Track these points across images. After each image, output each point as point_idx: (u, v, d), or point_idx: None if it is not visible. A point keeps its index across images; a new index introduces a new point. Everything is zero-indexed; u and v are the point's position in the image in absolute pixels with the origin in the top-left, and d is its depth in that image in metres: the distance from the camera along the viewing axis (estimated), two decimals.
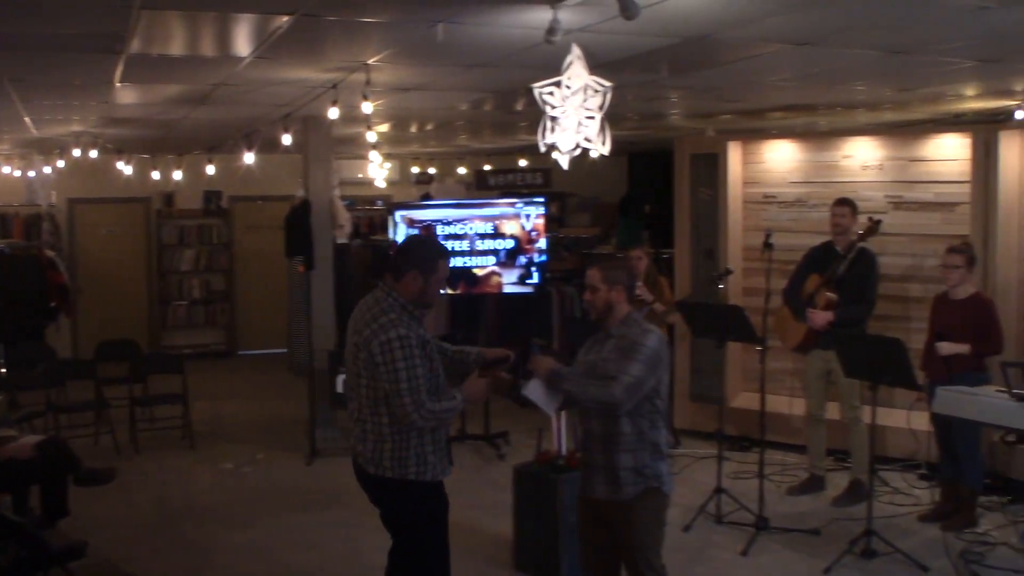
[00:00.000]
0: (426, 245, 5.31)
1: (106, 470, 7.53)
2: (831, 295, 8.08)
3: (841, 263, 8.09)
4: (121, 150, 12.82)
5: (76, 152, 12.06)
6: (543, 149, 5.44)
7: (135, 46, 6.16)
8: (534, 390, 5.01)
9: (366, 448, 4.99)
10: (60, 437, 8.60)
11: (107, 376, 10.96)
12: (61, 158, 13.27)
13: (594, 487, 5.02)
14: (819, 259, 8.35)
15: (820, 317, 8.09)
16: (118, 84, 7.73)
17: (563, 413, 6.01)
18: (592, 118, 5.38)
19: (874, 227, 8.05)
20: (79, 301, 15.21)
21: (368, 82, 7.15)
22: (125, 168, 13.14)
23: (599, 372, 4.92)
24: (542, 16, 5.03)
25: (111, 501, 8.50)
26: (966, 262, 7.52)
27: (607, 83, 5.39)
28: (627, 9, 4.51)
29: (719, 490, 7.83)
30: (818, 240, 8.55)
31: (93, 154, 12.63)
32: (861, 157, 9.60)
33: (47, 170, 13.71)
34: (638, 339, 4.88)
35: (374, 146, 8.88)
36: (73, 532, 6.73)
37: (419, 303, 4.98)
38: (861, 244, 8.09)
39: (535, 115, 5.55)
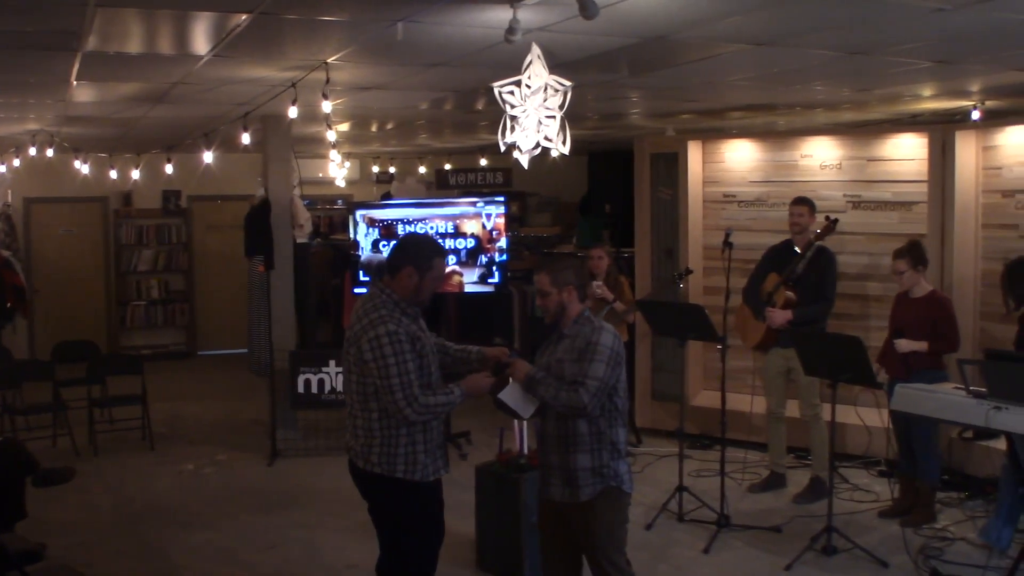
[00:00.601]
0: (422, 243, 5.30)
1: (64, 469, 7.43)
2: (790, 294, 8.13)
3: (799, 262, 8.13)
4: (78, 149, 12.69)
5: (32, 151, 11.92)
6: (503, 148, 5.44)
7: (91, 44, 6.10)
8: (511, 395, 4.99)
9: (356, 443, 5.06)
10: (17, 438, 8.50)
11: (65, 377, 10.83)
12: (17, 157, 13.12)
13: (550, 489, 5.02)
14: (778, 258, 8.39)
15: (778, 316, 8.13)
16: (75, 82, 7.65)
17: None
18: (552, 117, 5.38)
19: (831, 226, 8.10)
20: (35, 302, 15.06)
21: (328, 81, 7.12)
22: (82, 167, 12.99)
23: (554, 372, 4.94)
24: (502, 15, 5.02)
25: (70, 504, 8.42)
26: (910, 264, 7.59)
27: (567, 82, 5.40)
28: (586, 8, 4.52)
29: (681, 488, 7.86)
30: (778, 239, 8.60)
31: (50, 153, 12.50)
32: (820, 156, 9.67)
33: (2, 169, 13.54)
34: (593, 339, 4.88)
35: (334, 145, 8.83)
36: (31, 535, 6.65)
37: (413, 300, 5.03)
38: (819, 243, 8.14)
39: (495, 114, 5.56)
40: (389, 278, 5.03)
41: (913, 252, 7.63)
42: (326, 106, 7.34)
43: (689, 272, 9.22)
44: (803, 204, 8.27)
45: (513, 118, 5.36)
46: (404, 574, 5.20)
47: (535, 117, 5.36)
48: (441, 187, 15.53)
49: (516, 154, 5.44)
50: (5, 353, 11.79)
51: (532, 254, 14.39)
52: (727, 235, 8.16)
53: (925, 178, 8.95)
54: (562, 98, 5.40)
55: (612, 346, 4.89)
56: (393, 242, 5.33)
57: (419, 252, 5.06)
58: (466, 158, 16.39)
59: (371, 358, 4.81)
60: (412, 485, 5.02)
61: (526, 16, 5.15)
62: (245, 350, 11.03)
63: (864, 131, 10.67)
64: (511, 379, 5.01)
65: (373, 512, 5.25)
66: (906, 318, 7.63)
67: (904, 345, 7.49)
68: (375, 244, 10.23)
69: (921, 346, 7.45)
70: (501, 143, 5.42)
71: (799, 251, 8.22)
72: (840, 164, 9.55)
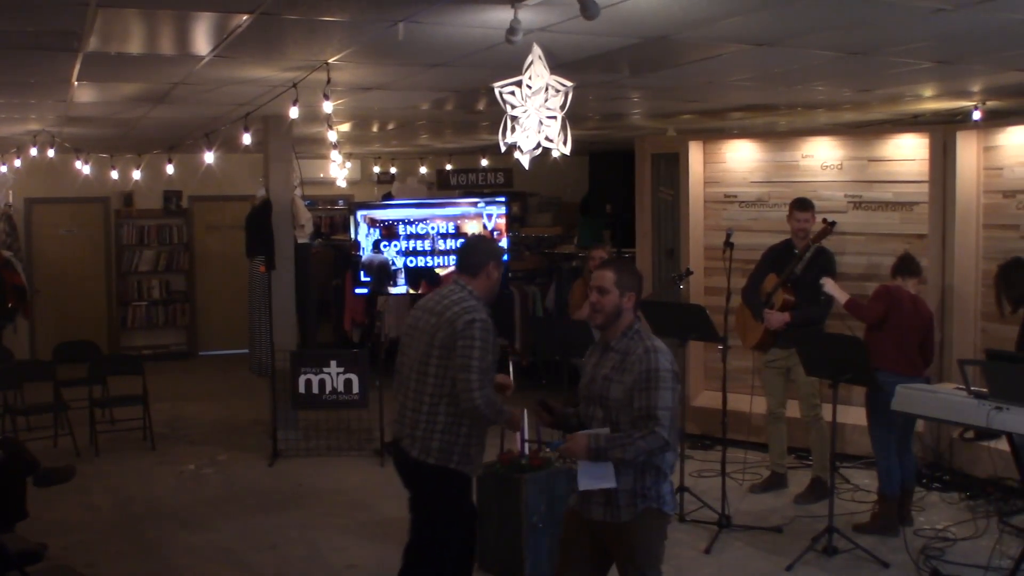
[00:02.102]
0: (491, 241, 5.66)
1: (65, 468, 7.43)
2: (788, 296, 8.13)
3: (798, 263, 8.13)
4: (79, 149, 12.70)
5: (33, 151, 11.92)
6: (504, 149, 5.44)
7: (92, 44, 6.10)
8: (586, 478, 4.58)
9: (416, 432, 5.16)
10: (17, 439, 8.50)
11: (66, 378, 10.84)
12: (18, 157, 13.12)
13: (591, 508, 4.71)
14: (777, 258, 8.39)
15: (776, 318, 8.13)
16: (76, 82, 7.65)
17: (524, 412, 5.91)
18: (553, 118, 5.38)
19: (828, 228, 8.10)
20: (37, 302, 15.06)
21: (329, 81, 7.11)
22: (83, 167, 13.00)
23: (597, 391, 4.66)
24: (503, 16, 5.02)
25: (71, 504, 8.43)
26: (891, 276, 7.72)
27: (568, 83, 5.40)
28: (587, 9, 4.52)
29: (682, 488, 7.85)
30: (779, 239, 8.58)
31: (51, 153, 12.51)
32: (821, 157, 9.67)
33: (3, 169, 13.55)
34: (653, 364, 4.53)
35: (335, 146, 8.83)
36: (32, 535, 6.65)
37: (488, 298, 5.29)
38: (818, 243, 8.15)
39: (496, 115, 5.55)
40: (469, 277, 5.26)
41: (894, 265, 7.74)
42: (327, 106, 7.34)
43: (689, 273, 9.22)
44: (809, 210, 8.22)
45: (514, 118, 5.36)
46: (444, 563, 5.29)
47: (536, 117, 5.36)
48: (442, 187, 15.55)
49: (517, 154, 5.44)
50: (6, 353, 11.79)
51: (533, 254, 14.40)
52: (728, 235, 8.15)
53: (926, 178, 8.95)
54: (563, 98, 5.40)
55: (671, 368, 4.57)
56: (459, 242, 5.48)
57: (493, 249, 5.44)
58: (467, 158, 16.39)
59: (461, 336, 5.01)
60: (462, 477, 5.16)
61: (527, 16, 5.15)
62: (246, 350, 11.01)
63: (865, 131, 10.67)
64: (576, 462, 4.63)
65: (418, 504, 5.35)
66: None
67: (830, 286, 7.85)
68: (376, 244, 10.23)
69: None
70: (502, 143, 5.42)
71: (798, 252, 8.21)
72: (841, 164, 9.55)
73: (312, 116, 8.70)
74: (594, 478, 4.58)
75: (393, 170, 17.26)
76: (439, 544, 5.28)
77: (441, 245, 10.12)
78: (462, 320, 5.04)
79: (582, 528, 4.81)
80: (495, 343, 5.17)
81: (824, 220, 8.16)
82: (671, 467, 4.75)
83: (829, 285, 7.76)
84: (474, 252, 5.38)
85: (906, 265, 7.64)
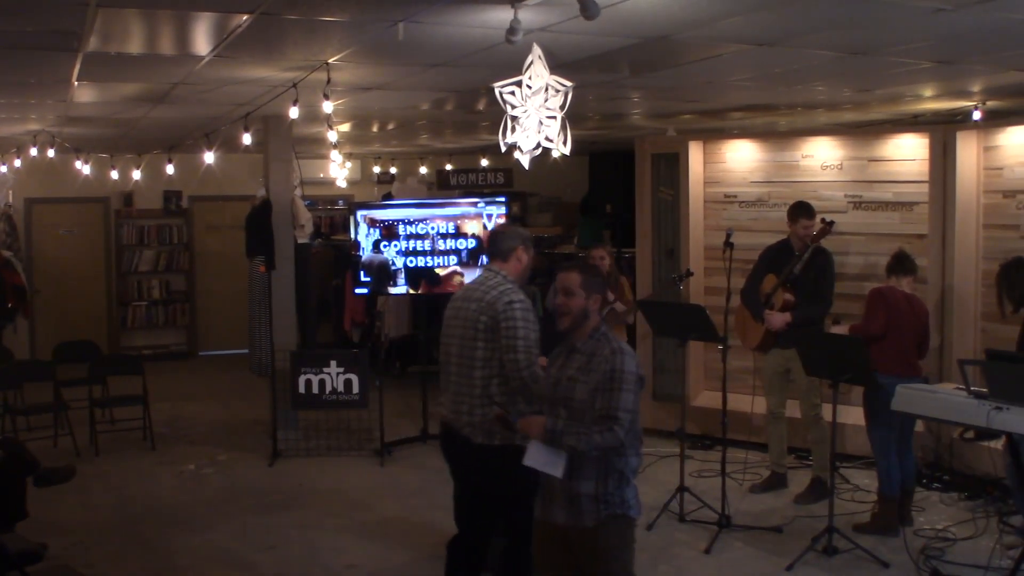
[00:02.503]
0: (519, 227, 5.87)
1: (65, 468, 7.43)
2: (788, 296, 8.13)
3: (797, 263, 8.13)
4: (79, 149, 12.70)
5: (33, 151, 11.93)
6: (504, 149, 5.44)
7: (92, 44, 6.10)
8: (536, 457, 4.60)
9: (474, 418, 5.30)
10: (17, 439, 8.49)
11: (66, 378, 10.84)
12: (18, 157, 13.12)
13: (553, 512, 4.71)
14: (775, 259, 8.38)
15: (777, 319, 8.13)
16: (76, 83, 7.66)
17: None
18: (553, 118, 5.39)
19: (827, 228, 8.10)
20: (37, 302, 15.06)
21: (329, 81, 7.12)
22: (83, 167, 13.01)
23: (562, 392, 4.64)
24: (503, 16, 5.02)
25: (71, 504, 8.42)
26: (886, 274, 7.69)
27: (568, 83, 5.40)
28: (587, 9, 4.52)
29: (682, 489, 7.86)
30: (778, 239, 8.58)
31: (51, 153, 12.51)
32: (821, 157, 9.66)
33: (3, 169, 13.55)
34: (617, 365, 4.54)
35: (335, 146, 8.83)
36: (32, 535, 6.65)
37: (521, 281, 5.50)
38: (816, 244, 8.15)
39: (496, 115, 5.55)
40: (501, 262, 5.47)
41: (888, 264, 7.71)
42: (327, 106, 7.34)
43: (690, 274, 9.21)
44: (813, 217, 8.22)
45: (514, 118, 5.37)
46: (516, 539, 5.47)
47: (536, 117, 5.36)
48: (442, 187, 15.55)
49: (517, 154, 5.45)
50: (6, 353, 11.80)
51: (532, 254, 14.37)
52: (728, 235, 8.14)
53: (926, 178, 8.95)
54: (563, 98, 5.40)
55: (634, 371, 4.59)
56: (493, 230, 5.66)
57: (521, 233, 5.64)
58: (467, 158, 16.39)
59: (503, 319, 5.21)
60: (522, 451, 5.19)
61: (527, 16, 5.15)
62: (246, 350, 11.02)
63: (865, 131, 10.67)
64: (530, 438, 4.65)
65: (489, 488, 5.44)
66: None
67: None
68: (376, 244, 10.22)
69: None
70: (502, 143, 5.42)
71: (796, 252, 8.21)
72: (841, 164, 9.54)
73: (312, 116, 8.70)
74: (543, 460, 4.59)
75: (393, 170, 17.26)
76: (512, 521, 5.45)
77: (441, 245, 10.12)
78: (501, 302, 5.24)
79: (550, 536, 4.79)
80: (535, 320, 5.35)
81: (823, 220, 8.16)
82: (634, 472, 4.74)
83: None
84: (504, 238, 5.57)
85: (900, 263, 7.62)
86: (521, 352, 5.20)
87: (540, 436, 4.56)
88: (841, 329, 7.82)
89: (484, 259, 10.07)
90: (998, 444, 7.36)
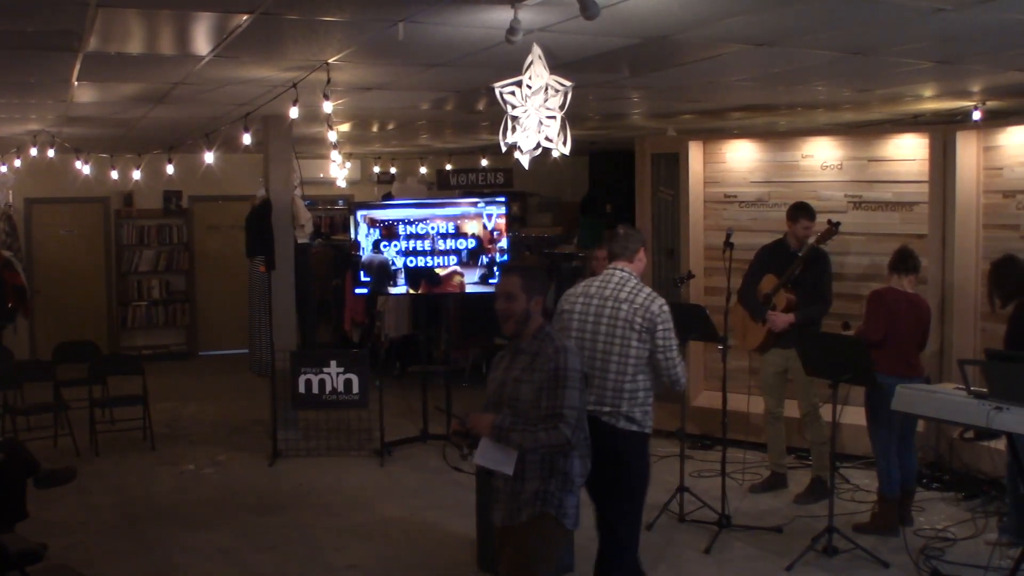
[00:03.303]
0: (638, 230, 6.13)
1: (66, 469, 7.42)
2: (791, 296, 8.13)
3: (798, 265, 8.13)
4: (79, 149, 12.69)
5: (33, 151, 11.92)
6: (504, 149, 5.44)
7: (92, 44, 6.10)
8: (485, 455, 4.61)
9: (621, 408, 5.52)
10: (17, 439, 8.49)
11: (66, 378, 10.84)
12: (18, 157, 13.12)
13: (494, 512, 4.78)
14: (772, 259, 8.39)
15: (781, 319, 8.13)
16: (76, 83, 7.65)
17: None
18: (553, 118, 5.38)
19: (833, 229, 8.11)
20: (37, 302, 15.06)
21: (329, 81, 7.11)
22: (83, 167, 13.00)
23: (508, 394, 4.65)
24: (503, 16, 5.02)
25: (71, 504, 8.43)
26: (888, 270, 7.63)
27: (568, 83, 5.39)
28: (587, 9, 4.51)
29: (682, 488, 7.86)
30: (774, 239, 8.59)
31: (51, 153, 12.50)
32: (821, 157, 9.67)
33: (3, 169, 13.54)
34: (561, 363, 4.56)
35: (335, 146, 8.82)
36: (32, 535, 6.64)
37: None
38: (815, 244, 8.16)
39: (496, 115, 5.55)
40: (626, 262, 5.74)
41: (891, 260, 7.67)
42: (327, 106, 7.34)
43: (691, 276, 9.21)
44: (814, 219, 8.23)
45: (514, 118, 5.36)
46: (638, 521, 5.76)
47: (536, 117, 5.36)
48: (442, 187, 15.56)
49: (517, 154, 5.44)
50: (6, 353, 11.79)
51: (533, 254, 14.41)
52: (728, 235, 8.15)
53: (926, 178, 8.95)
54: (563, 98, 5.40)
55: (579, 368, 4.63)
56: (616, 231, 5.91)
57: (642, 237, 5.92)
58: (467, 158, 16.39)
59: (660, 322, 5.50)
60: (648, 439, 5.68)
61: (527, 16, 5.15)
62: (246, 350, 11.03)
63: (865, 131, 10.68)
64: (480, 437, 4.63)
65: (628, 477, 5.64)
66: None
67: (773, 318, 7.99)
68: (376, 244, 10.22)
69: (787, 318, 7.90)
70: (502, 143, 5.42)
71: (794, 251, 8.22)
72: (841, 164, 9.55)
73: (312, 116, 8.70)
74: (492, 459, 4.60)
75: (393, 170, 17.27)
76: (638, 504, 5.73)
77: (441, 245, 10.13)
78: (656, 305, 5.54)
79: (499, 544, 4.79)
80: None
81: (829, 221, 8.17)
82: (580, 477, 4.72)
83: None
84: (628, 239, 5.79)
85: (903, 261, 7.57)
86: (675, 351, 5.60)
87: (488, 433, 4.56)
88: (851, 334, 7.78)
89: (484, 259, 10.16)
90: (998, 444, 7.36)
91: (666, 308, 5.56)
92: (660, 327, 5.50)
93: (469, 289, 10.24)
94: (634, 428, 5.57)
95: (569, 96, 5.39)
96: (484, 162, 15.92)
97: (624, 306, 5.55)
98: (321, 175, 15.32)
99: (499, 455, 4.57)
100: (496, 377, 4.80)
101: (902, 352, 7.37)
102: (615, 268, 5.74)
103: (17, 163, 13.27)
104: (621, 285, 5.65)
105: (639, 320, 5.49)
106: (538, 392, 4.55)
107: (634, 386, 5.54)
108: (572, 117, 5.49)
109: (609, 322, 5.55)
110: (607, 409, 5.52)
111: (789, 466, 8.80)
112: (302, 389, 9.85)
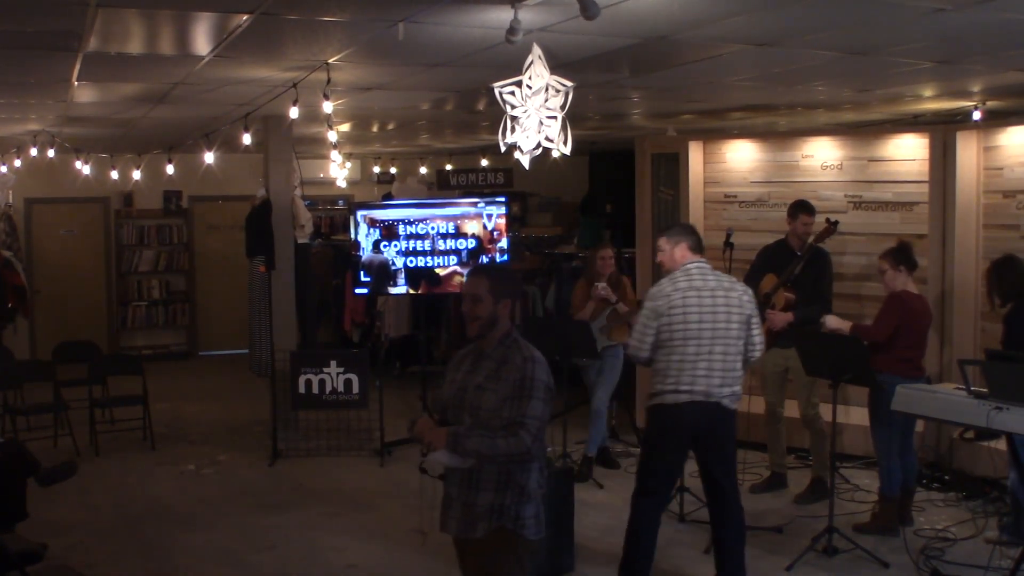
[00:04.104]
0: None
1: (66, 464, 7.42)
2: (789, 295, 8.13)
3: (798, 264, 8.13)
4: (79, 149, 12.69)
5: (33, 151, 11.93)
6: (504, 149, 5.44)
7: (92, 44, 6.10)
8: (437, 464, 4.34)
9: (733, 388, 6.19)
10: (18, 440, 8.49)
11: (66, 378, 10.84)
12: (18, 157, 13.12)
13: (448, 522, 4.58)
14: (773, 259, 8.38)
15: (779, 318, 8.13)
16: (75, 83, 7.65)
17: None
18: (553, 118, 5.39)
19: (831, 228, 8.10)
20: (37, 302, 15.06)
21: (329, 81, 7.12)
22: (83, 167, 13.00)
23: (469, 401, 4.40)
24: (503, 16, 5.02)
25: (71, 504, 8.43)
26: (891, 264, 7.52)
27: (568, 83, 5.40)
28: (588, 9, 4.52)
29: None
30: (776, 240, 8.58)
31: (51, 153, 12.50)
32: (821, 157, 9.67)
33: (3, 169, 13.54)
34: (528, 373, 4.32)
35: (335, 146, 8.83)
36: (31, 535, 6.66)
37: None
38: (815, 244, 8.15)
39: (496, 115, 5.55)
40: (703, 256, 6.32)
41: (895, 252, 7.57)
42: (327, 107, 7.34)
43: None
44: (814, 214, 8.22)
45: (514, 118, 5.36)
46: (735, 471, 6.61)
47: (536, 117, 5.36)
48: (442, 187, 15.54)
49: (517, 154, 5.44)
50: (6, 353, 11.78)
51: (533, 254, 14.40)
52: (728, 235, 8.15)
53: (926, 178, 8.95)
54: (563, 98, 5.40)
55: (547, 382, 4.36)
56: (688, 226, 6.67)
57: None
58: (467, 158, 16.39)
59: (755, 316, 6.21)
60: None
61: (527, 16, 5.15)
62: (246, 350, 11.03)
63: (865, 131, 10.67)
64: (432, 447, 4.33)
65: (726, 448, 6.43)
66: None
67: (832, 322, 7.76)
68: (376, 244, 10.23)
69: (846, 325, 7.71)
70: (502, 143, 5.42)
71: (795, 251, 8.22)
72: (841, 164, 9.55)
73: (312, 116, 8.70)
74: (445, 468, 4.39)
75: (393, 170, 17.27)
76: (733, 469, 6.55)
77: (441, 245, 10.13)
78: (748, 294, 6.22)
79: (457, 552, 4.68)
80: None
81: (827, 219, 8.16)
82: (539, 486, 4.49)
83: (832, 321, 7.69)
84: (698, 235, 6.48)
85: (906, 254, 7.51)
86: (760, 336, 6.27)
87: (444, 444, 4.25)
88: (838, 323, 7.69)
89: (484, 259, 10.15)
90: (998, 444, 7.36)
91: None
92: (754, 315, 6.20)
93: None
94: (735, 407, 6.26)
95: (570, 96, 5.40)
96: (484, 162, 15.91)
97: (733, 294, 6.14)
98: (321, 175, 15.33)
99: (453, 464, 4.32)
100: (456, 380, 4.53)
101: (906, 353, 7.36)
102: (698, 261, 6.27)
103: (17, 163, 13.27)
104: (717, 277, 6.21)
105: (739, 309, 6.12)
106: (501, 402, 4.32)
107: (734, 369, 6.18)
108: (572, 117, 5.50)
109: (725, 310, 6.09)
110: (727, 391, 6.15)
111: (789, 466, 8.79)
112: (302, 389, 9.85)
